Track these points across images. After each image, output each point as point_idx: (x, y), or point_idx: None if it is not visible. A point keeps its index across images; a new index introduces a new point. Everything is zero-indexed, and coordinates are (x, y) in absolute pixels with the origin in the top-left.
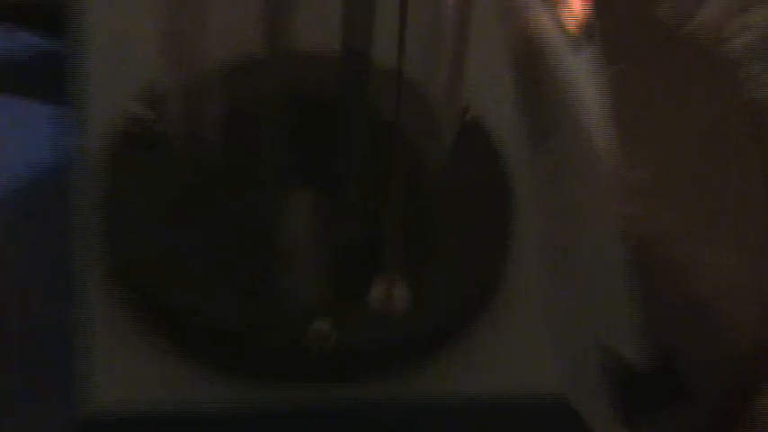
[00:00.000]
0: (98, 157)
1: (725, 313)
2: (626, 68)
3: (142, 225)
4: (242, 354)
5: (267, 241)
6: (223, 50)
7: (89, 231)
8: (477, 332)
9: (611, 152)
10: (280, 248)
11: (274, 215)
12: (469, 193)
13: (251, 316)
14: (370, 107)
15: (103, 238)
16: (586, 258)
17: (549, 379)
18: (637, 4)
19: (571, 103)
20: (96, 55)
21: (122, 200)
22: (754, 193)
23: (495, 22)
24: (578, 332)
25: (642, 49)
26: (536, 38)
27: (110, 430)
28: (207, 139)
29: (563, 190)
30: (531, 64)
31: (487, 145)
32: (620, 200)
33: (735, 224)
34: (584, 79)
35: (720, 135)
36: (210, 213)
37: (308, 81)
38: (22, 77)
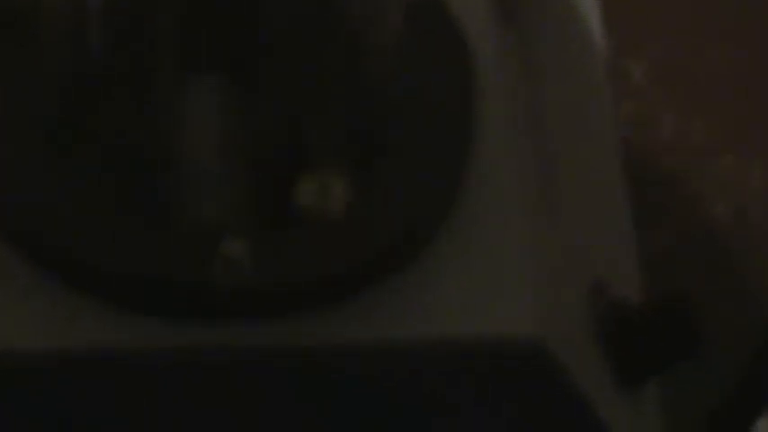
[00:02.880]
0: None
1: (754, 243)
2: None
3: (9, 137)
4: (138, 290)
5: (165, 145)
6: None
7: None
8: (427, 261)
9: (605, 37)
10: (180, 154)
11: (173, 111)
12: (422, 83)
13: (147, 244)
14: None
15: None
16: (574, 174)
17: (524, 318)
18: None
19: None
20: None
21: None
22: None
23: None
24: (565, 266)
25: None
26: None
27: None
28: (91, 22)
29: (543, 83)
30: None
31: (443, 24)
32: (615, 96)
33: (760, 132)
34: None
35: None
36: (94, 115)
37: None
38: None
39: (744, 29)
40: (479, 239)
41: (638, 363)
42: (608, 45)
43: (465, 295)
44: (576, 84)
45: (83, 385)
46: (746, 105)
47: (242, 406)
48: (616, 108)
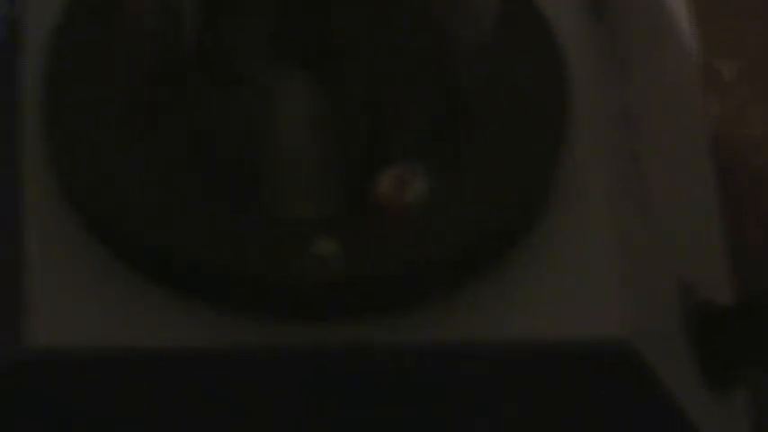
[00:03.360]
0: (44, 39)
1: None
2: None
3: (100, 125)
4: (225, 287)
5: (252, 143)
6: None
7: (33, 139)
8: (520, 261)
9: (694, 41)
10: (272, 152)
11: (259, 109)
12: (511, 79)
13: (234, 239)
14: None
15: (50, 147)
16: (663, 174)
17: (610, 322)
18: None
19: None
20: None
21: (71, 93)
22: None
23: None
24: (653, 268)
25: None
26: None
27: (45, 373)
28: (183, 15)
29: (633, 80)
30: None
31: (535, 23)
32: (704, 95)
33: None
34: None
35: None
36: (181, 110)
37: None
38: None
39: None
40: (567, 239)
41: (727, 365)
42: (697, 43)
43: (552, 296)
44: (666, 81)
45: (166, 383)
46: None
47: (327, 404)
48: (705, 106)
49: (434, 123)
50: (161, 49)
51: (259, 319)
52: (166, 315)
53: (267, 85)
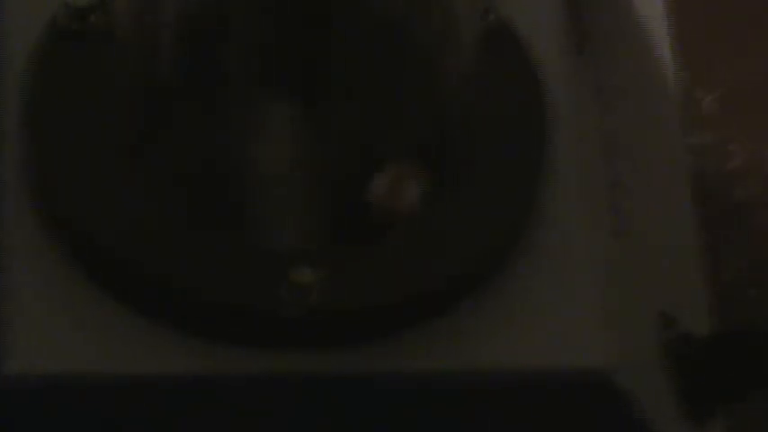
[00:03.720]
0: (28, 61)
1: None
2: None
3: (80, 154)
4: (200, 314)
5: (236, 173)
6: None
7: (10, 163)
8: (499, 290)
9: (676, 71)
10: (252, 182)
11: (242, 139)
12: (494, 110)
13: (212, 265)
14: (369, 6)
15: (33, 169)
16: (643, 204)
17: (592, 353)
18: None
19: (626, 6)
20: None
21: (57, 118)
22: None
23: None
24: (633, 298)
25: None
26: None
27: (20, 401)
28: (164, 42)
29: (615, 114)
30: None
31: (515, 54)
32: (686, 125)
33: None
34: None
35: None
36: (166, 135)
37: None
38: None
39: None
40: (549, 270)
41: (706, 396)
42: (678, 74)
43: (534, 326)
44: (647, 111)
45: (148, 411)
46: None
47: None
48: (686, 136)
49: (419, 152)
50: (145, 76)
51: (235, 347)
52: (142, 342)
53: (250, 113)
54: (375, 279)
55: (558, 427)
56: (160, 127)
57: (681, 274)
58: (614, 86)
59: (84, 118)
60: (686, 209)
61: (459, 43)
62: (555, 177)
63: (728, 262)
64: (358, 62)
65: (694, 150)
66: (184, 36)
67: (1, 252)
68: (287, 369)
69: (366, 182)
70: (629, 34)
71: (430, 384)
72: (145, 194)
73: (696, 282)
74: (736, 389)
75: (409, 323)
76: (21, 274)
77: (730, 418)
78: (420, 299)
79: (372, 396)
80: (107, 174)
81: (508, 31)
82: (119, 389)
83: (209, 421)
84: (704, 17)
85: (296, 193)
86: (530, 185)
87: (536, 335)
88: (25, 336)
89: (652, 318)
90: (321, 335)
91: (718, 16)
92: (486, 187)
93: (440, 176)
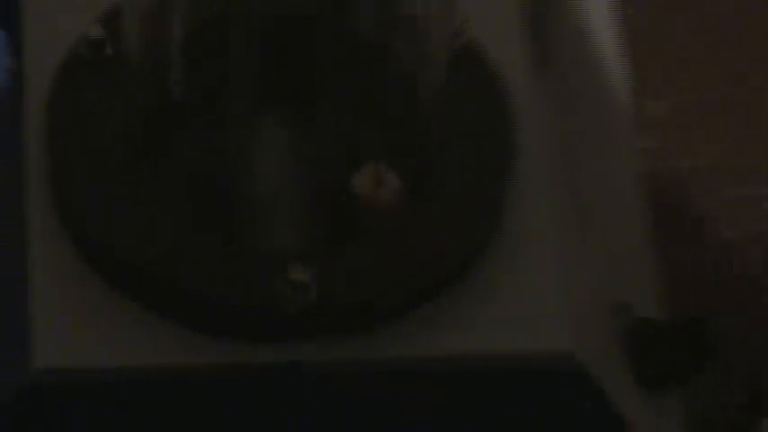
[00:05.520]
0: (47, 90)
1: (765, 265)
2: None
3: (97, 166)
4: (209, 311)
5: (237, 182)
6: None
7: (38, 173)
8: (474, 282)
9: (626, 81)
10: (251, 190)
11: (245, 152)
12: (465, 124)
13: (219, 268)
14: (352, 27)
15: (54, 181)
16: (604, 202)
17: (557, 335)
18: None
19: (582, 23)
20: None
21: (75, 135)
22: None
23: None
24: (594, 288)
25: None
26: None
27: (51, 393)
28: (170, 68)
29: (572, 123)
30: None
31: (484, 71)
32: (636, 134)
33: None
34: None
35: (757, 58)
36: (173, 150)
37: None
38: None
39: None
40: (519, 264)
41: (658, 374)
42: (629, 85)
43: (506, 315)
44: (601, 118)
45: (152, 403)
46: (756, 137)
47: (306, 423)
48: (637, 141)
49: (399, 159)
50: (155, 95)
51: (236, 340)
52: (154, 337)
53: (248, 127)
54: (362, 276)
55: (529, 407)
56: (168, 141)
57: (633, 266)
58: (573, 96)
59: (99, 134)
60: (637, 206)
61: (434, 62)
62: (521, 180)
63: (678, 253)
64: (344, 79)
65: (644, 152)
66: (186, 61)
67: (28, 260)
68: (286, 358)
69: (351, 187)
70: (584, 50)
71: (411, 370)
72: (155, 202)
73: (647, 273)
74: (683, 370)
75: (393, 315)
76: (45, 280)
77: (683, 395)
78: (403, 293)
79: (358, 381)
80: (120, 183)
81: (477, 51)
82: (134, 380)
83: (219, 407)
84: (653, 34)
85: (291, 200)
86: (499, 187)
87: (508, 323)
88: (50, 334)
89: (610, 306)
90: (315, 328)
91: (665, 33)
92: (460, 190)
93: (417, 180)
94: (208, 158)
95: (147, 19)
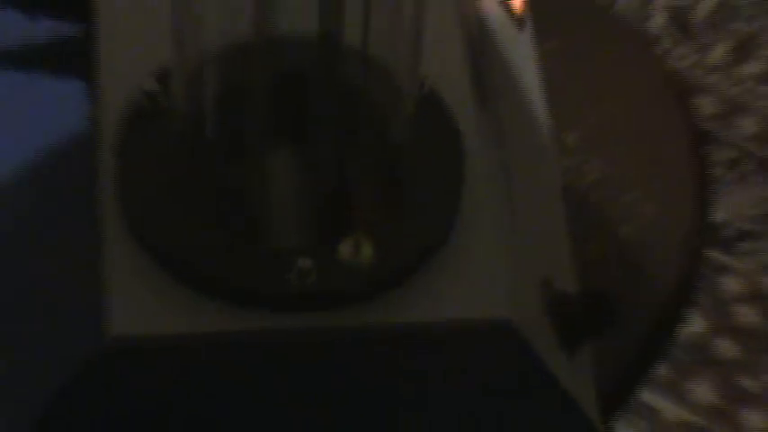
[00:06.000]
0: (116, 129)
1: (648, 253)
2: (560, 44)
3: (152, 188)
4: (238, 290)
5: (257, 196)
6: (219, 37)
7: (108, 195)
8: (433, 269)
9: (549, 115)
10: (267, 201)
11: (262, 173)
12: (427, 153)
13: (245, 258)
14: (341, 82)
15: (120, 200)
16: (532, 206)
17: (498, 306)
18: None
19: (513, 73)
20: (109, 37)
21: (136, 167)
22: (669, 150)
23: (449, 7)
24: (526, 269)
25: (574, 27)
26: (484, 18)
27: (124, 359)
28: (206, 113)
29: (508, 149)
30: (479, 41)
31: (442, 112)
32: (557, 156)
33: (654, 176)
34: (524, 54)
35: (642, 100)
36: (209, 175)
37: (289, 61)
38: (43, 59)
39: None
40: (471, 248)
41: (575, 335)
42: (549, 116)
43: (456, 290)
44: (529, 144)
45: (191, 367)
46: (647, 154)
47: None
48: (559, 161)
49: (378, 177)
50: (197, 133)
51: (261, 312)
52: (199, 310)
53: (264, 153)
54: (350, 267)
55: (475, 368)
56: (206, 167)
57: (555, 253)
58: (506, 127)
59: (157, 166)
60: (559, 211)
61: (402, 106)
62: (471, 190)
63: (586, 246)
64: (331, 117)
65: (563, 171)
66: (219, 107)
67: (100, 233)
68: (294, 325)
69: (341, 197)
70: (514, 88)
71: (382, 338)
72: (199, 213)
73: (565, 257)
74: (592, 331)
75: (367, 295)
76: (115, 264)
77: (593, 353)
78: (383, 278)
79: (348, 346)
80: (173, 201)
81: (436, 96)
82: (190, 346)
83: (238, 374)
84: (569, 72)
85: (297, 207)
86: (454, 194)
87: (457, 296)
88: (123, 302)
89: (539, 282)
90: (315, 304)
91: (580, 71)
92: (424, 198)
93: (389, 191)
94: (234, 179)
95: (189, 80)
